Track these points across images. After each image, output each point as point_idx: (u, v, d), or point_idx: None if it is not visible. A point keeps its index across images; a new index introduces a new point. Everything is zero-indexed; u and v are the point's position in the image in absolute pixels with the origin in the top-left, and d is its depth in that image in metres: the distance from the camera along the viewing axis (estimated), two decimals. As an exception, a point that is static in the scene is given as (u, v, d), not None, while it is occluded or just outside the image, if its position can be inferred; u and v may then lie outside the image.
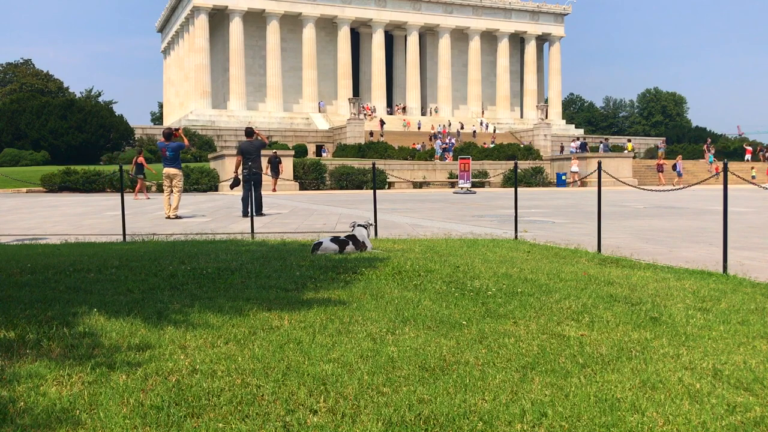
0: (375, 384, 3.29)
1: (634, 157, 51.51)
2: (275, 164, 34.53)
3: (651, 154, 59.81)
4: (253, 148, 15.93)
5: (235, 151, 37.19)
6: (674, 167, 46.44)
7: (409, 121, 72.53)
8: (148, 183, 29.58)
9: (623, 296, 5.45)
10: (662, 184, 44.00)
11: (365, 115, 67.74)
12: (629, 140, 62.02)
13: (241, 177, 15.57)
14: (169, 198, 15.48)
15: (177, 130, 16.79)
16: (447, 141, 55.76)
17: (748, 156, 56.99)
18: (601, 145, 51.62)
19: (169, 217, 15.13)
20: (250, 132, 16.56)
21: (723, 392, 3.23)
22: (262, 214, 16.07)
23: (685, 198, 25.54)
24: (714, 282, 6.22)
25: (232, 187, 16.04)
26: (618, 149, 54.84)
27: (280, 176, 33.85)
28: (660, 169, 46.39)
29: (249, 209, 15.52)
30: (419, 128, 70.74)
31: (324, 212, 17.73)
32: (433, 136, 64.78)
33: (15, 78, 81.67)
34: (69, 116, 48.71)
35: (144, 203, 23.61)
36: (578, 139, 62.57)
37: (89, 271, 6.59)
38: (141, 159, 26.98)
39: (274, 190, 34.30)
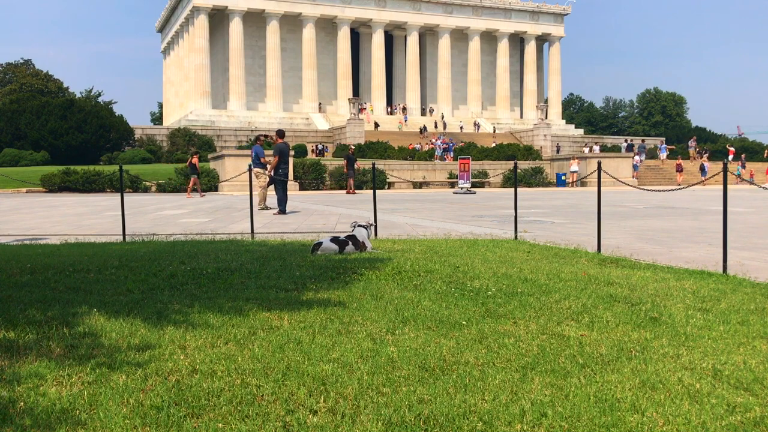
0: (375, 384, 3.29)
1: (648, 158, 52.74)
2: (352, 162, 33.89)
3: (651, 154, 59.76)
4: (287, 149, 16.98)
5: (234, 152, 37.42)
6: (702, 168, 48.07)
7: (401, 120, 72.78)
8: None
9: (623, 296, 5.45)
10: (678, 183, 44.97)
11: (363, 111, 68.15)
12: (662, 142, 63.22)
13: (274, 176, 17.06)
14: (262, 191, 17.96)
15: (263, 137, 19.74)
16: (448, 141, 55.79)
17: (730, 156, 56.94)
18: (638, 146, 54.81)
19: (262, 207, 17.56)
20: (282, 133, 17.59)
21: (723, 392, 3.23)
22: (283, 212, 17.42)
23: (684, 198, 25.54)
24: (714, 282, 6.22)
25: (267, 186, 17.85)
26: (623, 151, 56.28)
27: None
28: (679, 168, 47.58)
29: (284, 206, 16.92)
30: (405, 123, 71.30)
31: (324, 212, 17.73)
32: (423, 129, 65.79)
33: (15, 78, 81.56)
34: (69, 116, 48.68)
35: (140, 203, 23.63)
36: (628, 140, 63.31)
37: (89, 271, 6.59)
38: (195, 160, 28.41)
39: (353, 191, 33.39)
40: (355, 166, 34.51)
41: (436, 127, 71.38)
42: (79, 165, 39.56)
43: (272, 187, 18.07)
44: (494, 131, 72.13)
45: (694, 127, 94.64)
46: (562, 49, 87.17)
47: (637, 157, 50.45)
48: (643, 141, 61.01)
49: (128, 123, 55.93)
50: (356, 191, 34.06)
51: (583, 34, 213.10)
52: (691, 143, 60.13)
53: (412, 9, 77.58)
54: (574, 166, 43.57)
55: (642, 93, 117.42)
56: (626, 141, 63.05)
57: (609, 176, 11.59)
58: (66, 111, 49.14)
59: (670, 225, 13.50)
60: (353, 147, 38.12)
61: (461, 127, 71.07)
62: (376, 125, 67.93)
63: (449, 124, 73.43)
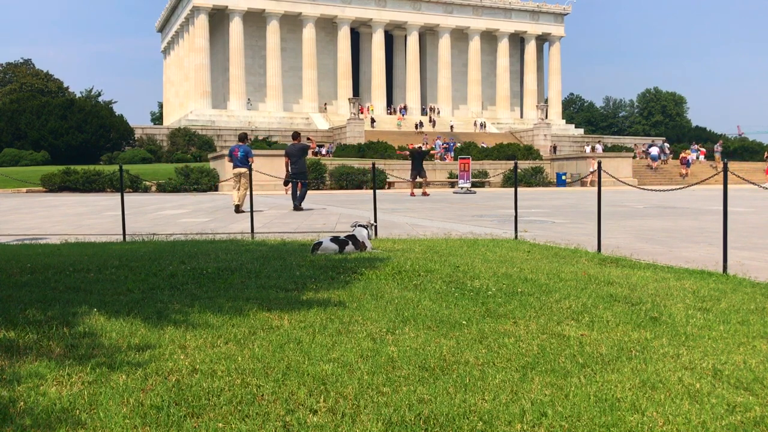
0: (375, 384, 3.29)
1: (636, 157, 53.15)
2: (420, 159, 28.20)
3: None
4: (295, 150, 18.33)
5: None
6: (687, 164, 49.53)
7: (399, 117, 73.17)
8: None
9: (623, 296, 5.44)
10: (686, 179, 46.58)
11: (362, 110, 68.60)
12: (693, 143, 63.90)
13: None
14: (236, 191, 17.88)
15: (245, 138, 19.63)
16: (449, 141, 55.82)
17: (701, 157, 56.74)
18: (661, 144, 56.04)
19: (237, 206, 17.53)
20: (295, 135, 19.09)
21: (723, 392, 3.23)
22: (300, 209, 18.08)
23: (684, 198, 25.53)
24: (714, 282, 6.22)
25: (285, 184, 19.11)
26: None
27: (426, 176, 28.63)
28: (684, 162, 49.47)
29: (295, 203, 18.24)
30: (404, 119, 71.55)
31: (324, 212, 17.74)
32: (419, 125, 66.23)
33: (15, 78, 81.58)
34: (69, 116, 48.71)
35: (143, 202, 23.62)
36: (654, 141, 64.25)
37: (89, 271, 6.59)
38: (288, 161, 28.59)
39: (424, 192, 28.69)
40: (423, 165, 28.68)
41: (431, 121, 71.78)
42: (79, 165, 39.53)
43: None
44: (485, 127, 72.65)
45: (694, 126, 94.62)
46: (562, 49, 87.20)
47: (655, 148, 52.26)
48: (663, 141, 63.41)
49: (128, 123, 55.98)
50: (415, 193, 28.88)
51: (583, 34, 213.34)
52: (717, 147, 57.29)
53: (412, 9, 77.60)
54: (594, 165, 43.90)
55: (642, 93, 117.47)
56: (653, 141, 63.79)
57: (609, 176, 11.58)
58: (66, 111, 49.16)
59: (670, 225, 13.49)
60: (413, 145, 36.23)
61: (452, 127, 71.10)
62: (373, 121, 68.06)
63: (445, 122, 73.59)
